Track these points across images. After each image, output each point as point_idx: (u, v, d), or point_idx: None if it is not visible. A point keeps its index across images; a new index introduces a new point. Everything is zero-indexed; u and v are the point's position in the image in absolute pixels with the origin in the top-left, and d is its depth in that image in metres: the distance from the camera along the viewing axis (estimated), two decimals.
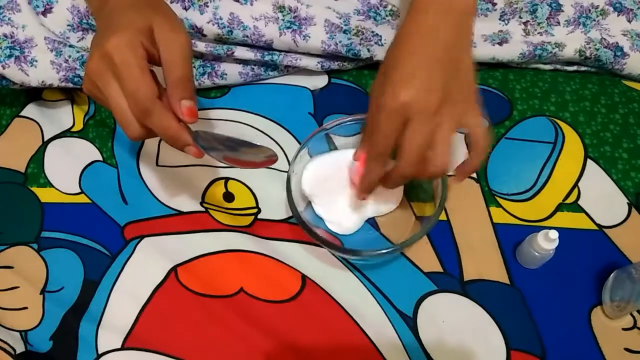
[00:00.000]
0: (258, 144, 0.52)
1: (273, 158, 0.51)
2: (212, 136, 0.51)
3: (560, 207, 0.61)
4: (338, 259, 0.60)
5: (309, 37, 0.64)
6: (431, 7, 0.49)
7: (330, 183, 0.60)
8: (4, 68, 0.61)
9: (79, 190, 0.64)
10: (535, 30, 0.68)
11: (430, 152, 0.48)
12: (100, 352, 0.56)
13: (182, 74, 0.47)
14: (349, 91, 0.69)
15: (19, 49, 0.62)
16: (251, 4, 0.64)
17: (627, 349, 0.55)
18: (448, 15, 0.48)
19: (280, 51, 0.67)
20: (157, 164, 0.65)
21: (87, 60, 0.48)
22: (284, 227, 0.62)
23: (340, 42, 0.65)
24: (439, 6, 0.49)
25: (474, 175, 0.63)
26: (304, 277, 0.59)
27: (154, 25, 0.47)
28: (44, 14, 0.63)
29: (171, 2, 0.63)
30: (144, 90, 0.45)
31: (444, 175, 0.49)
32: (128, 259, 0.60)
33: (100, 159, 0.66)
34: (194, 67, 0.67)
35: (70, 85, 0.64)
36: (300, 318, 0.57)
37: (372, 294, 0.58)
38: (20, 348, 0.57)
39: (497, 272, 0.59)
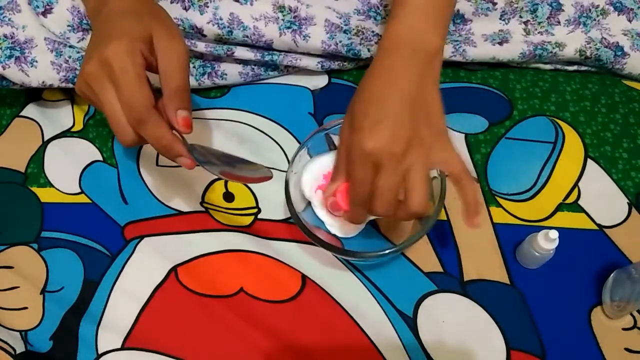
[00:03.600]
0: (253, 161, 0.53)
1: (268, 175, 0.52)
2: (208, 151, 0.51)
3: (560, 207, 0.61)
4: (338, 259, 0.60)
5: (309, 37, 0.64)
6: (398, 50, 0.49)
7: None
8: (4, 69, 0.61)
9: (79, 190, 0.64)
10: (536, 29, 0.68)
11: (406, 194, 0.48)
12: (100, 352, 0.56)
13: (180, 84, 0.48)
14: (349, 91, 0.69)
15: (19, 49, 0.62)
16: (251, 4, 0.64)
17: (627, 349, 0.55)
18: (414, 57, 0.49)
19: (280, 51, 0.67)
20: (157, 164, 0.65)
21: (83, 62, 0.48)
22: (284, 227, 0.62)
23: (340, 41, 0.65)
24: (405, 49, 0.49)
25: (474, 175, 0.63)
26: (304, 277, 0.59)
27: (153, 34, 0.48)
28: (44, 14, 0.63)
29: (171, 2, 0.63)
30: (140, 99, 0.46)
31: (423, 214, 0.50)
32: (128, 259, 0.60)
33: (100, 159, 0.66)
34: (194, 67, 0.67)
35: (71, 85, 0.64)
36: (300, 318, 0.57)
37: (372, 294, 0.58)
38: (20, 348, 0.57)
39: (497, 272, 0.58)
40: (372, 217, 0.60)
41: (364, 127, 0.47)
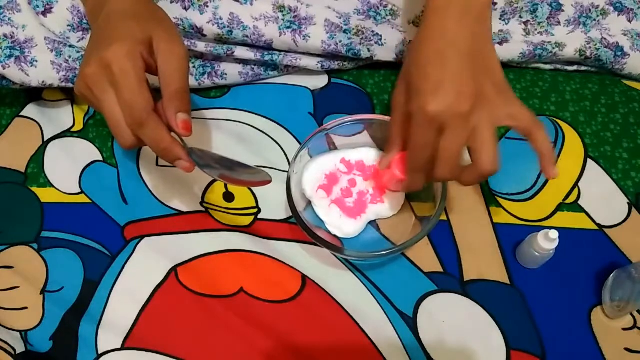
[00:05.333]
0: (253, 166, 0.53)
1: (267, 179, 0.52)
2: (207, 154, 0.51)
3: (560, 207, 0.61)
4: (338, 259, 0.60)
5: (309, 36, 0.64)
6: (448, 9, 0.48)
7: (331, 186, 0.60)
8: (4, 68, 0.61)
9: (79, 190, 0.64)
10: (536, 30, 0.68)
11: (475, 155, 0.47)
12: (100, 352, 0.56)
13: (179, 86, 0.48)
14: (349, 91, 0.69)
15: (19, 49, 0.62)
16: (251, 4, 0.64)
17: (627, 349, 0.55)
18: (466, 14, 0.48)
19: (280, 51, 0.67)
20: (157, 164, 0.65)
21: (83, 64, 0.48)
22: (284, 227, 0.62)
23: (340, 41, 0.65)
24: (456, 7, 0.48)
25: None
26: (304, 277, 0.59)
27: (153, 36, 0.48)
28: (44, 14, 0.63)
29: (171, 2, 0.63)
30: (140, 102, 0.46)
31: (493, 174, 0.48)
32: (128, 259, 0.60)
33: (100, 159, 0.66)
34: (194, 67, 0.67)
35: (71, 85, 0.64)
36: (300, 318, 0.57)
37: (372, 294, 0.58)
38: (20, 348, 0.57)
39: (497, 272, 0.58)
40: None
41: (425, 90, 0.46)
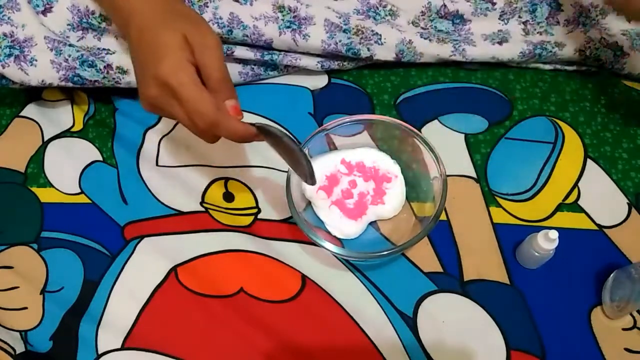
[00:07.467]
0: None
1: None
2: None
3: (560, 207, 0.61)
4: (338, 259, 0.60)
5: (309, 36, 0.64)
6: None
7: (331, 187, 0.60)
8: (3, 67, 0.61)
9: (79, 190, 0.64)
10: (535, 29, 0.68)
11: None
12: (100, 352, 0.56)
13: (221, 76, 0.49)
14: (349, 91, 0.69)
15: (18, 48, 0.61)
16: (251, 4, 0.64)
17: (627, 349, 0.55)
18: None
19: (280, 51, 0.67)
20: (157, 164, 0.65)
21: (141, 85, 0.49)
22: (284, 227, 0.62)
23: (340, 41, 0.65)
24: None
25: (474, 175, 0.63)
26: (304, 277, 0.59)
27: (186, 35, 0.49)
28: (43, 13, 0.63)
29: None
30: (206, 106, 0.47)
31: None
32: (128, 259, 0.60)
33: (100, 159, 0.66)
34: None
35: (70, 84, 0.64)
36: (300, 318, 0.57)
37: (372, 294, 0.58)
38: (20, 348, 0.57)
39: (497, 272, 0.59)
40: None
41: None
